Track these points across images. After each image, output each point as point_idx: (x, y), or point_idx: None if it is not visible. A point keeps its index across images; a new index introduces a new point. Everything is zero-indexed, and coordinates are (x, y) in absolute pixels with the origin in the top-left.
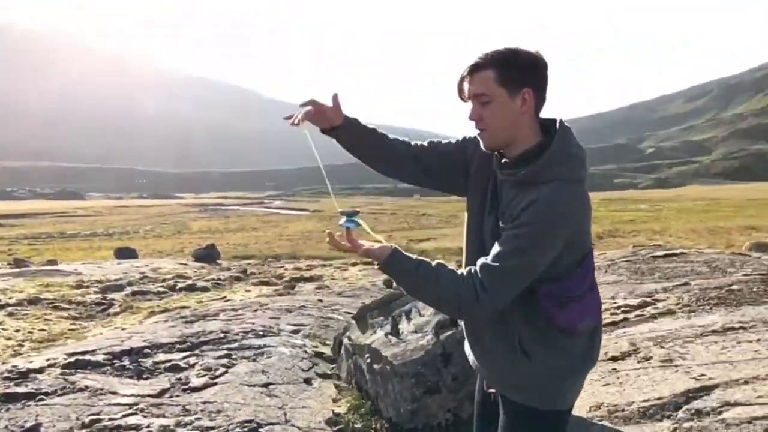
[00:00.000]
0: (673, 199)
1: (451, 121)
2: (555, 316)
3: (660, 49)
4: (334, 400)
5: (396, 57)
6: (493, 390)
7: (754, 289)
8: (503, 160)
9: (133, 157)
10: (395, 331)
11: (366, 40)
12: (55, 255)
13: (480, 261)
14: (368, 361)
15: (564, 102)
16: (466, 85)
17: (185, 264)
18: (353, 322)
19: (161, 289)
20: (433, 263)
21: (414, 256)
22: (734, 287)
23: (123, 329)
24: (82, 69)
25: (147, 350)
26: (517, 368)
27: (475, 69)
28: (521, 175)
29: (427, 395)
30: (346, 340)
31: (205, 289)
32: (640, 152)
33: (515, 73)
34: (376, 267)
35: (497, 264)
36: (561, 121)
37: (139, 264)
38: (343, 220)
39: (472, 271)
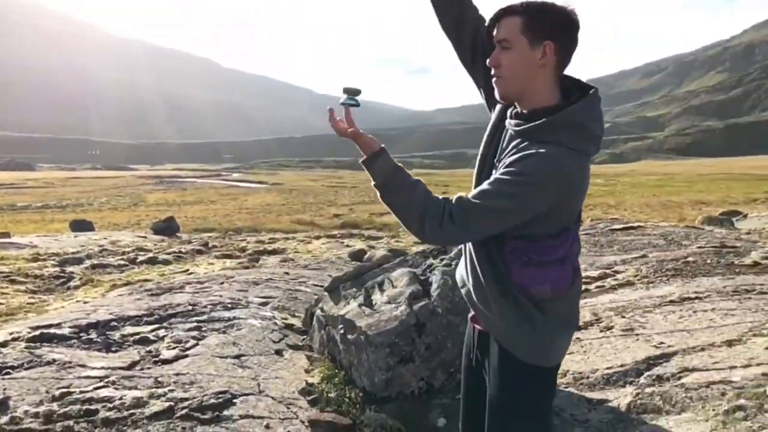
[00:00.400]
0: (627, 173)
1: (455, 117)
2: (513, 271)
3: (618, 27)
4: (307, 371)
5: (395, 56)
6: (480, 327)
7: (708, 261)
8: (515, 111)
9: (87, 127)
10: (368, 302)
11: (366, 40)
12: (5, 228)
13: (459, 194)
14: (342, 331)
15: None
16: (495, 31)
17: (144, 237)
18: (326, 293)
19: (122, 262)
20: (414, 177)
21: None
22: (689, 259)
23: (86, 302)
24: (35, 34)
25: (114, 323)
26: (508, 316)
27: (504, 14)
28: (526, 128)
29: (401, 365)
30: (318, 312)
31: (166, 262)
32: None
33: (541, 23)
34: (360, 161)
35: (477, 201)
36: (595, 91)
37: (96, 237)
38: (344, 97)
39: (449, 198)
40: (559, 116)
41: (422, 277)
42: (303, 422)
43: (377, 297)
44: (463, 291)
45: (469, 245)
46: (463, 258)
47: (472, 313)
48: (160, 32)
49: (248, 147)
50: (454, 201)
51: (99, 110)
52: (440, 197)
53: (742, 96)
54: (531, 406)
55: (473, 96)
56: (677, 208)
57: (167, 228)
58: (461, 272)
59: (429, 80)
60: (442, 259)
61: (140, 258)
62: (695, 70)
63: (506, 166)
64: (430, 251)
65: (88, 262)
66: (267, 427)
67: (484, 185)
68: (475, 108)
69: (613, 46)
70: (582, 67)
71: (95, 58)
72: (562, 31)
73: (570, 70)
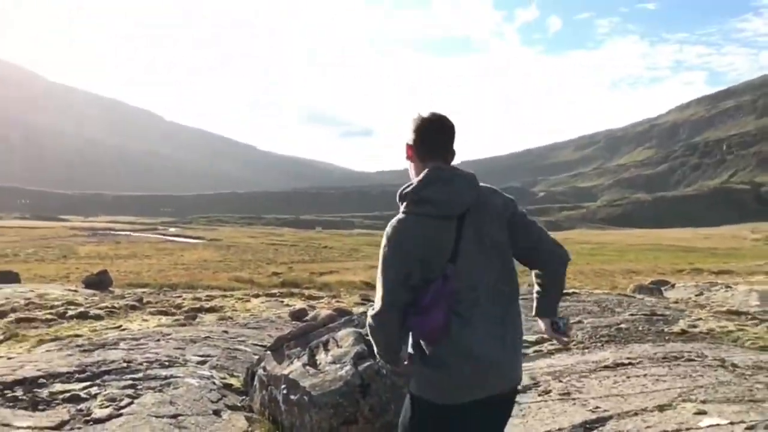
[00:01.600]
0: (561, 241)
1: (396, 180)
2: (407, 316)
3: (556, 98)
4: None
5: (336, 117)
6: None
7: (640, 328)
8: None
9: (16, 175)
10: (313, 362)
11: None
12: None
13: None
14: (284, 392)
15: (478, 142)
16: None
17: (75, 291)
18: (268, 352)
19: (50, 317)
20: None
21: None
22: (622, 326)
23: (10, 358)
24: None
25: (42, 380)
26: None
27: None
28: None
29: (345, 426)
30: (260, 371)
31: (98, 318)
32: (533, 195)
33: (405, 130)
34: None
35: None
36: (428, 171)
37: (23, 289)
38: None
39: None
40: (399, 191)
41: (368, 337)
42: None
43: (322, 357)
44: None
45: None
46: None
47: None
48: (101, 82)
49: (187, 201)
50: None
51: (30, 158)
52: None
53: (668, 171)
54: None
55: None
56: (609, 276)
57: (99, 282)
58: None
59: (371, 142)
60: None
61: (70, 312)
62: (625, 144)
63: None
64: None
65: (12, 316)
66: None
67: None
68: None
69: (546, 119)
70: (518, 138)
71: (28, 104)
72: (413, 134)
73: (504, 142)
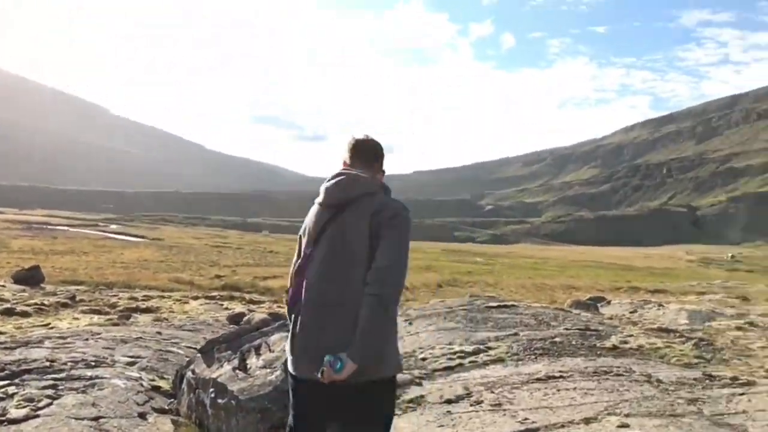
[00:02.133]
0: (505, 255)
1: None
2: None
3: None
4: None
5: (289, 121)
6: None
7: (573, 342)
8: None
9: None
10: (243, 366)
11: (260, 103)
12: None
13: None
14: (212, 395)
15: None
16: None
17: (2, 286)
18: (198, 355)
19: None
20: None
21: None
22: (557, 339)
23: None
24: None
25: None
26: None
27: None
28: None
29: (272, 431)
30: (189, 374)
31: (25, 314)
32: (481, 208)
33: (342, 149)
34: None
35: None
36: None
37: None
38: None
39: None
40: None
41: None
42: None
43: (253, 361)
44: None
45: None
46: None
47: None
48: (41, 70)
49: (130, 198)
50: None
51: None
52: None
53: (610, 191)
54: None
55: None
56: (549, 291)
57: (30, 278)
58: None
59: (324, 147)
60: None
61: None
62: (571, 163)
63: None
64: None
65: None
66: None
67: None
68: None
69: (495, 134)
70: (468, 151)
71: None
72: (348, 152)
73: (455, 155)
